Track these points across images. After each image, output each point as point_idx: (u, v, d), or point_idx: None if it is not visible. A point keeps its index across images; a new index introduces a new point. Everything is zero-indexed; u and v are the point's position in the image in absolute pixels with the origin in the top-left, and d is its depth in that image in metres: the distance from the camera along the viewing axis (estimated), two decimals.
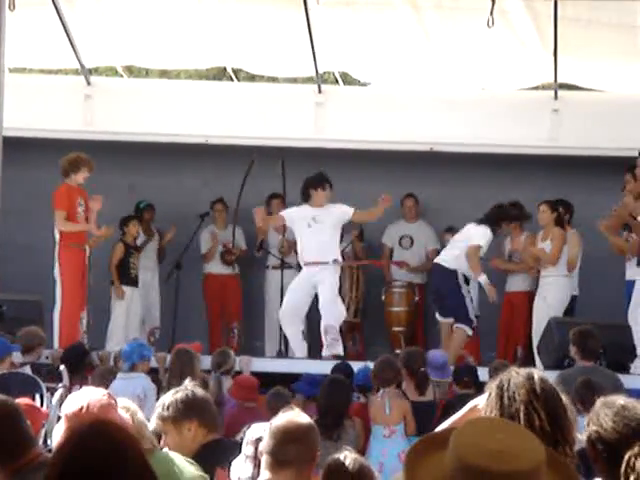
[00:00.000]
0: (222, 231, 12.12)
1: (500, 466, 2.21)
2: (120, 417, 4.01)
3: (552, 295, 10.63)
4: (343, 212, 10.31)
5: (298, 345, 10.23)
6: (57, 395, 7.55)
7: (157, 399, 8.16)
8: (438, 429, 3.08)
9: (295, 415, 4.28)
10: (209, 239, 12.14)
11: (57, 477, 2.38)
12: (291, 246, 11.97)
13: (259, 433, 4.59)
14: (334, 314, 10.10)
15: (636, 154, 9.74)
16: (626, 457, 3.10)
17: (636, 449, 3.10)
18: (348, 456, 4.04)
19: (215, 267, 12.16)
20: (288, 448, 4.09)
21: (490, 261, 10.92)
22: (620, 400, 3.39)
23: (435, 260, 10.61)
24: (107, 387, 7.13)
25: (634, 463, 3.08)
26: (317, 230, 10.14)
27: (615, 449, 3.19)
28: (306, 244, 10.27)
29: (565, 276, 10.68)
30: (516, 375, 3.17)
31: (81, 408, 4.01)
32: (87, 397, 4.09)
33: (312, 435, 4.20)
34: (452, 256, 10.36)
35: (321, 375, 8.50)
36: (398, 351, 10.85)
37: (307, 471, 4.12)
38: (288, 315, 10.28)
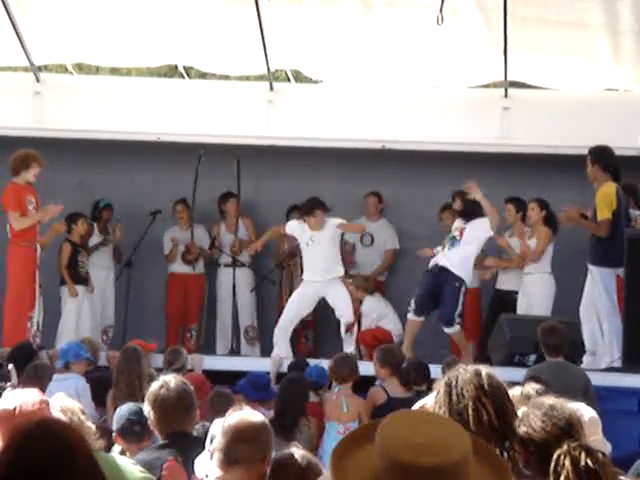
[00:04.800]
0: (185, 231, 12.06)
1: (427, 460, 2.21)
2: (55, 417, 3.98)
3: (536, 293, 10.71)
4: (332, 227, 10.57)
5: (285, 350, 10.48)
6: (5, 394, 7.48)
7: (100, 397, 8.18)
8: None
9: (248, 414, 4.26)
10: (169, 240, 12.09)
11: (2, 478, 2.35)
12: (243, 245, 11.97)
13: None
14: (351, 317, 10.54)
15: (586, 152, 9.81)
16: (555, 456, 3.12)
17: (565, 447, 3.13)
18: (296, 452, 4.04)
19: (178, 267, 12.12)
20: (238, 447, 4.08)
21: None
22: (549, 400, 3.41)
23: (442, 264, 10.39)
24: (42, 383, 7.12)
25: (563, 462, 3.11)
26: (316, 250, 10.52)
27: (545, 449, 3.21)
28: (306, 263, 10.69)
29: (548, 273, 10.75)
30: (464, 372, 3.19)
31: (14, 409, 3.98)
32: (19, 398, 4.06)
33: (264, 434, 4.18)
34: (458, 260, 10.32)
35: (265, 377, 8.50)
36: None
37: (258, 470, 4.11)
38: (286, 327, 10.60)
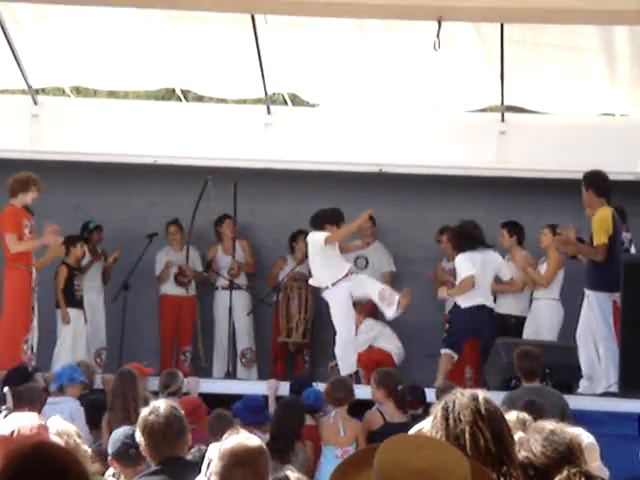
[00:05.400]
0: (178, 253, 12.05)
1: None
2: (53, 441, 3.96)
3: (543, 319, 10.71)
4: (315, 241, 10.57)
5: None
6: (0, 417, 7.46)
7: (95, 420, 8.16)
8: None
9: (245, 438, 4.25)
10: (162, 261, 12.08)
11: None
12: (240, 267, 11.97)
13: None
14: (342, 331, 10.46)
15: (581, 177, 9.82)
16: None
17: (565, 473, 3.12)
18: (291, 475, 4.03)
19: (170, 288, 12.10)
20: (235, 471, 4.07)
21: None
22: (549, 425, 3.39)
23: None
24: (34, 406, 7.09)
25: None
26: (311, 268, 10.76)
27: (545, 474, 3.20)
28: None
29: (555, 299, 10.74)
30: (461, 396, 3.18)
31: (12, 432, 3.97)
32: (17, 421, 4.04)
33: (260, 459, 4.17)
34: None
35: (261, 400, 8.50)
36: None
37: None
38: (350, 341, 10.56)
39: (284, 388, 9.48)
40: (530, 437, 3.32)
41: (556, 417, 7.16)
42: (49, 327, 10.99)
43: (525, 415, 3.91)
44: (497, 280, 10.86)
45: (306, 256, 11.35)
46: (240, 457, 4.09)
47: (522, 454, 3.24)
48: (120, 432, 5.99)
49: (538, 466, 3.24)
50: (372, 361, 10.80)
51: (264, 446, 4.27)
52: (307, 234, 11.69)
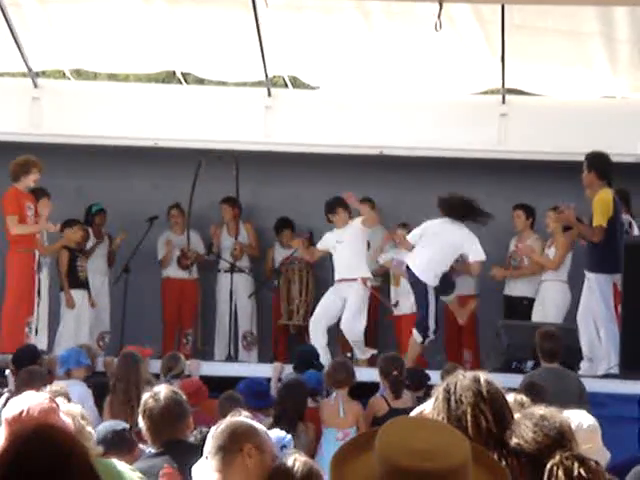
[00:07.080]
0: (180, 236, 12.05)
1: (427, 464, 2.22)
2: (62, 421, 3.97)
3: (549, 300, 10.70)
4: (355, 226, 10.60)
5: (323, 355, 10.17)
6: (2, 400, 7.47)
7: (97, 403, 8.18)
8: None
9: (237, 418, 4.27)
10: (164, 244, 12.08)
11: None
12: (243, 249, 11.98)
13: None
14: (352, 330, 10.52)
15: (583, 159, 9.82)
16: (548, 466, 3.10)
17: (558, 458, 3.11)
18: (298, 459, 4.01)
19: (173, 272, 12.11)
20: (216, 440, 4.08)
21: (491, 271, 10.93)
22: (539, 410, 3.38)
23: (409, 264, 10.27)
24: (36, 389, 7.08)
25: (557, 472, 3.09)
26: (340, 250, 10.60)
27: (538, 460, 3.18)
28: (335, 264, 10.75)
29: (563, 281, 10.74)
30: (462, 378, 3.18)
31: (21, 412, 3.97)
32: (28, 401, 4.04)
33: (240, 427, 4.18)
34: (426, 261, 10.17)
35: (266, 385, 8.51)
36: (349, 354, 10.90)
37: (240, 461, 4.10)
38: (316, 323, 10.62)
39: (287, 370, 9.50)
40: (521, 423, 3.30)
41: (573, 399, 7.18)
42: (53, 309, 11.00)
43: (523, 397, 3.91)
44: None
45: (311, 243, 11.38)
46: (223, 427, 4.11)
47: (513, 441, 3.23)
48: (101, 429, 5.94)
49: (530, 452, 3.23)
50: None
51: (252, 422, 4.29)
52: (292, 223, 11.78)
